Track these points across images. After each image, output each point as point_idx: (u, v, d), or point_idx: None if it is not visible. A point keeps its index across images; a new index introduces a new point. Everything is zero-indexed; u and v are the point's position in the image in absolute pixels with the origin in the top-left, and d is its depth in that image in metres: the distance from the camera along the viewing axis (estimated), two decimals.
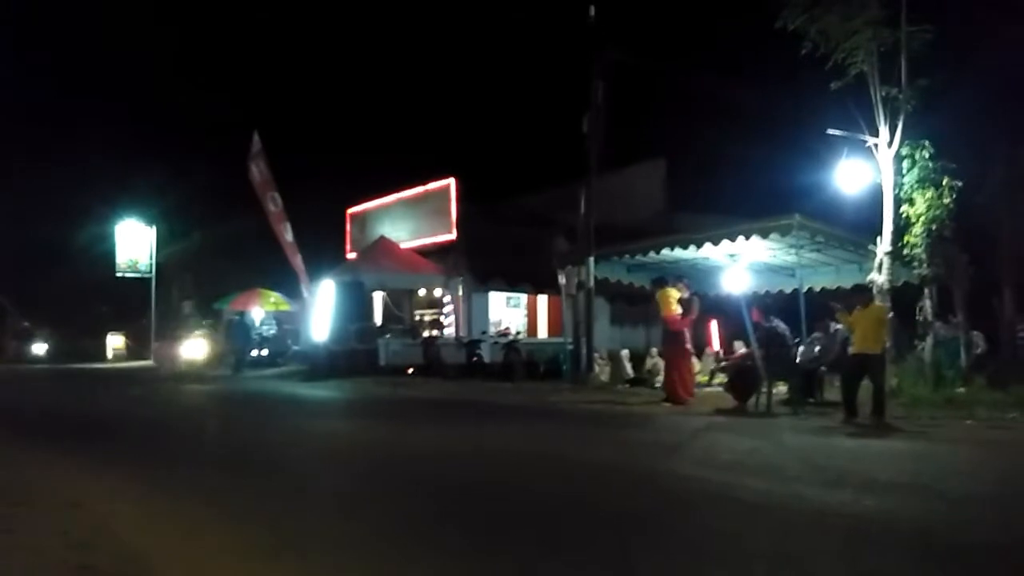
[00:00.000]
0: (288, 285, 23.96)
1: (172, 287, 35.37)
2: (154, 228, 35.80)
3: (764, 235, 12.80)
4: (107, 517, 4.43)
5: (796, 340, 11.38)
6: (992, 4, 12.33)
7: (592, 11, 15.04)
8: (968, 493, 5.15)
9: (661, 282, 12.11)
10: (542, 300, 22.40)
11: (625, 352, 16.27)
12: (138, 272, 35.56)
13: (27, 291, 38.73)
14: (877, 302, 11.33)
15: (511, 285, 21.41)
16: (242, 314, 24.70)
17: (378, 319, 22.34)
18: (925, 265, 11.85)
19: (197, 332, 26.82)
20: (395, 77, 51.62)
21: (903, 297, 12.81)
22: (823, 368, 11.12)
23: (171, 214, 35.51)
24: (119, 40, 51.95)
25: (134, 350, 36.29)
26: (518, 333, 20.73)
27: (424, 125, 45.61)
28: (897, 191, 12.12)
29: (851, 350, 9.44)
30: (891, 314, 10.01)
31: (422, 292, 22.71)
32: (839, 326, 10.85)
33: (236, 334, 23.52)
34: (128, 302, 36.52)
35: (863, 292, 10.05)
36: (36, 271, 38.62)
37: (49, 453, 7.22)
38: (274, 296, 26.67)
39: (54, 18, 52.00)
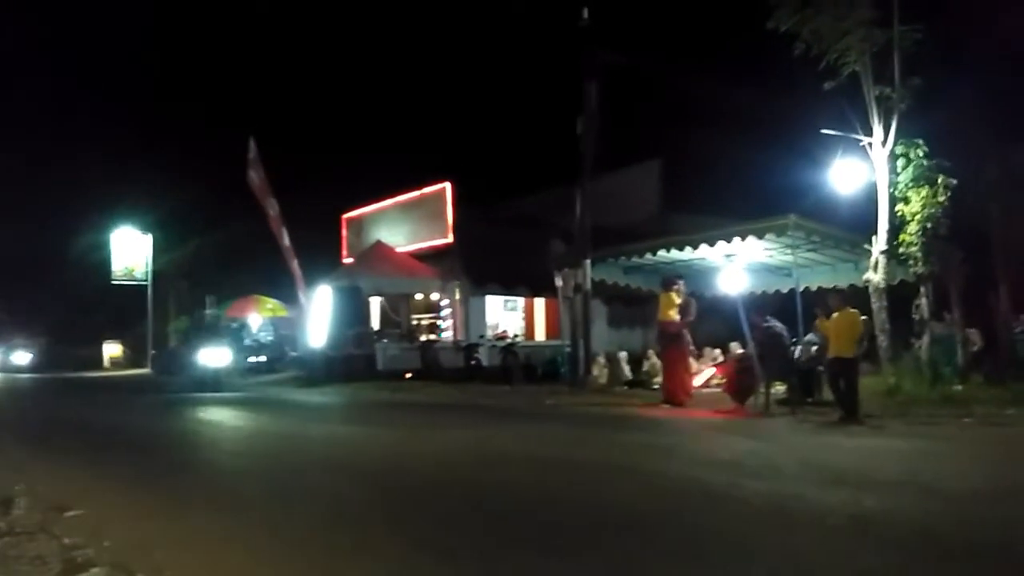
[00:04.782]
0: (285, 291, 23.94)
1: (169, 295, 35.33)
2: (150, 236, 35.77)
3: (760, 235, 12.83)
4: (105, 523, 4.41)
5: (793, 340, 11.40)
6: (983, 3, 12.39)
7: (585, 13, 15.08)
8: (967, 491, 5.16)
9: (669, 283, 12.04)
10: (539, 303, 22.43)
11: (623, 354, 16.28)
12: (134, 280, 35.52)
13: (22, 299, 38.56)
14: (873, 302, 11.37)
15: (508, 288, 21.42)
16: (240, 324, 24.68)
17: (375, 324, 22.33)
18: (921, 263, 11.90)
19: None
20: (390, 82, 51.66)
21: (899, 295, 12.86)
22: (820, 368, 11.13)
23: (167, 221, 35.53)
24: (114, 47, 51.96)
25: (131, 358, 36.22)
26: (516, 336, 20.74)
27: (419, 129, 45.67)
28: (892, 190, 12.17)
29: (828, 354, 9.51)
30: (863, 317, 10.03)
31: (419, 296, 22.71)
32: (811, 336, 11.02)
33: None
34: (125, 310, 36.45)
35: (838, 293, 10.12)
36: (31, 279, 38.48)
37: (39, 459, 7.20)
38: (271, 302, 26.67)
39: (48, 25, 51.96)
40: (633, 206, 21.73)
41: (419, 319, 23.19)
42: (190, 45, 51.80)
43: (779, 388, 11.16)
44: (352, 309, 20.14)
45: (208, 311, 24.88)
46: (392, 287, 21.50)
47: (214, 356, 18.31)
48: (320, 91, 51.29)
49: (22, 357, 35.03)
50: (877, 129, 12.25)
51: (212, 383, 17.53)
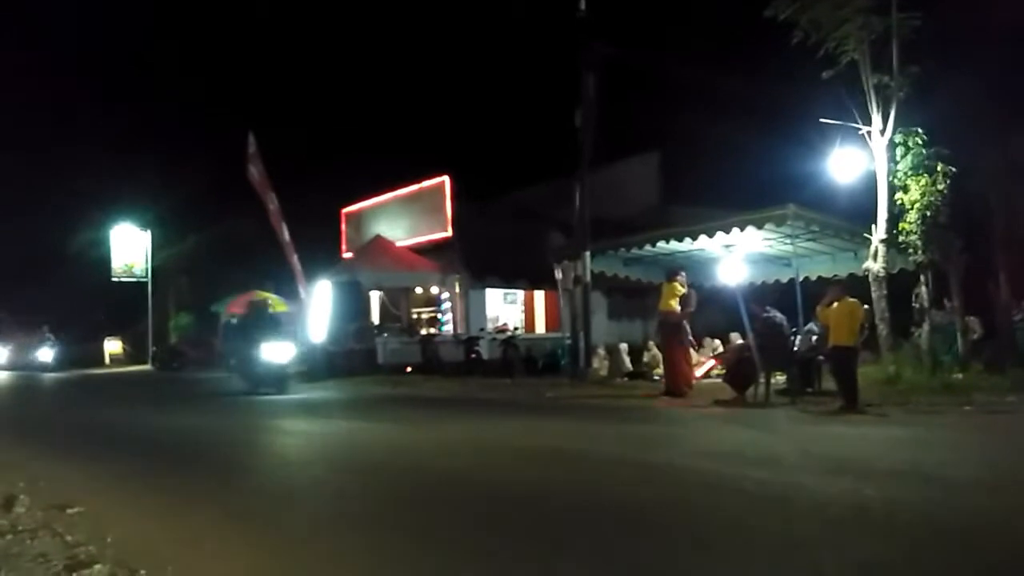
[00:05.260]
0: (285, 286, 23.92)
1: (169, 291, 35.33)
2: (149, 232, 35.74)
3: (759, 226, 12.83)
4: (108, 521, 4.42)
5: (793, 330, 11.41)
6: None
7: (583, 4, 15.03)
8: (968, 479, 5.17)
9: (673, 273, 12.02)
10: (539, 295, 22.44)
11: (623, 346, 16.28)
12: (134, 276, 35.49)
13: (21, 297, 38.50)
14: (872, 291, 11.34)
15: (508, 281, 21.45)
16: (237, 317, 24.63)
17: (375, 318, 22.34)
18: (920, 252, 11.89)
19: None
20: (388, 76, 51.52)
21: (899, 284, 12.86)
22: (820, 357, 11.15)
23: (166, 218, 35.48)
24: (113, 43, 51.84)
25: (132, 355, 36.23)
26: (516, 329, 20.76)
27: (417, 123, 45.61)
28: (891, 178, 12.15)
29: (828, 343, 9.55)
30: (866, 306, 10.04)
31: (419, 290, 22.72)
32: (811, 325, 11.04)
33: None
34: (125, 307, 36.42)
35: (837, 284, 10.16)
36: (31, 277, 38.42)
37: (40, 455, 7.21)
38: (271, 298, 26.64)
39: (49, 21, 51.82)
40: (632, 198, 21.73)
41: (419, 313, 23.20)
42: (189, 41, 51.69)
43: (779, 378, 11.17)
44: (352, 304, 20.14)
45: (268, 299, 22.42)
46: (392, 281, 21.51)
47: (277, 351, 14.87)
48: (319, 86, 51.17)
49: (46, 354, 33.02)
50: (876, 118, 12.22)
51: (277, 383, 14.65)
